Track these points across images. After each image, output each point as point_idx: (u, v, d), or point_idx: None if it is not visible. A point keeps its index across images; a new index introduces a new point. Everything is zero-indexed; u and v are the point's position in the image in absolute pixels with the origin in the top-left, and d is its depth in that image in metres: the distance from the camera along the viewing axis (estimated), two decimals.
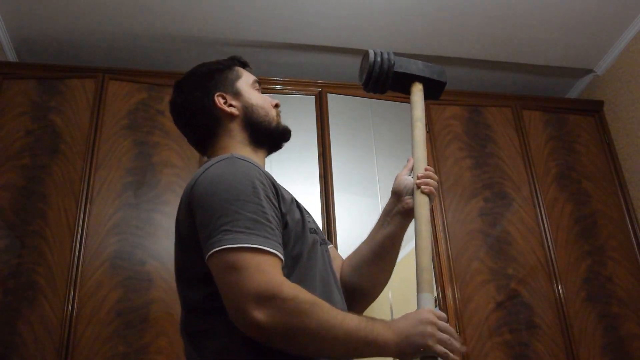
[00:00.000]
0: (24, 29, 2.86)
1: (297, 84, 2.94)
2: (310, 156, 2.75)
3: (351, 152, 2.84)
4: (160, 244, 2.46)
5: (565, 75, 3.38)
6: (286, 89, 2.90)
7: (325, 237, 1.54)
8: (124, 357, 2.24)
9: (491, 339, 2.52)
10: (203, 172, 1.14)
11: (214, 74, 1.37)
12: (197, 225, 1.08)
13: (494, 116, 3.05)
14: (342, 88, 2.96)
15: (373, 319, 1.04)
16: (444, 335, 1.04)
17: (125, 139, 2.64)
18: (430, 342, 1.02)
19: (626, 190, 3.00)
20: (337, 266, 1.37)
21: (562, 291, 2.68)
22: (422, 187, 1.28)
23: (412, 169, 1.37)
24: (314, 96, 2.91)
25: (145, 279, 2.38)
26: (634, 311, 2.72)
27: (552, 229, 2.81)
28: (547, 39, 3.06)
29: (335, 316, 1.01)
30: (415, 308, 1.12)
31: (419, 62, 1.45)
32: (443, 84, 1.46)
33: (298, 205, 1.22)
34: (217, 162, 1.15)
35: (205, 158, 1.35)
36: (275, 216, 1.08)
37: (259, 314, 0.96)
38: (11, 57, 2.95)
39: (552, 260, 2.74)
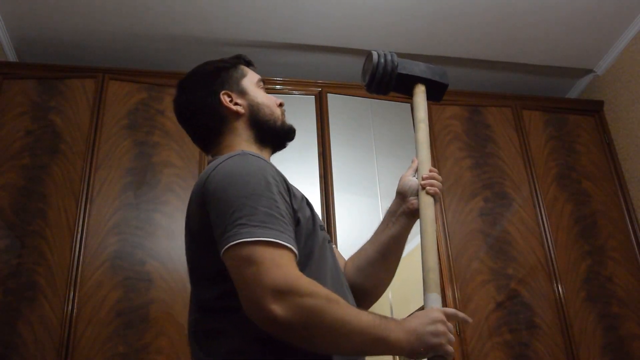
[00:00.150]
0: (24, 29, 2.86)
1: (297, 84, 2.94)
2: (310, 156, 2.75)
3: (351, 152, 2.84)
4: (160, 244, 2.46)
5: (565, 75, 3.38)
6: (286, 89, 2.90)
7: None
8: (124, 357, 2.24)
9: (491, 339, 2.52)
10: (215, 168, 1.13)
11: (220, 72, 1.36)
12: (211, 221, 1.07)
13: (494, 116, 3.05)
14: (342, 88, 2.96)
15: (385, 316, 1.04)
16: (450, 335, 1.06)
17: (125, 139, 2.64)
18: (442, 341, 1.04)
19: (626, 190, 3.00)
20: (340, 266, 1.37)
21: (562, 291, 2.68)
22: (427, 188, 1.30)
23: (416, 170, 1.38)
24: (314, 96, 2.91)
25: (145, 279, 2.38)
26: (634, 311, 2.72)
27: (552, 229, 2.81)
28: (547, 39, 3.06)
29: (351, 312, 1.01)
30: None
31: (421, 63, 1.46)
32: (445, 85, 1.47)
33: (308, 203, 1.22)
34: (229, 157, 1.14)
35: (210, 157, 1.34)
36: (287, 212, 1.08)
37: (277, 308, 0.95)
38: (11, 57, 2.95)
39: (552, 260, 2.74)
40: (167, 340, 2.30)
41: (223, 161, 1.14)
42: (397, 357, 2.42)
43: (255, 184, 1.06)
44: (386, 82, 1.42)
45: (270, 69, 3.11)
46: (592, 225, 2.88)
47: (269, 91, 1.43)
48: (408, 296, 2.54)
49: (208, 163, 1.29)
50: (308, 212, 1.18)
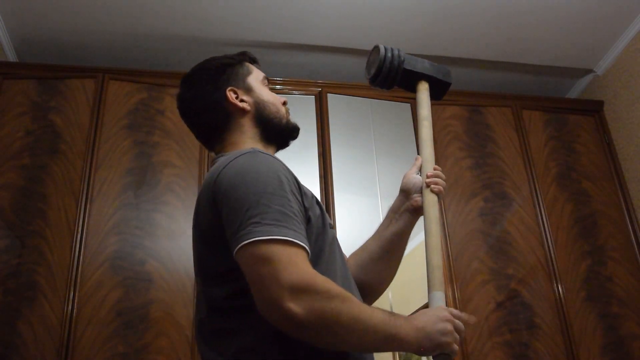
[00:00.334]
0: (24, 29, 2.85)
1: (297, 84, 2.94)
2: (310, 156, 2.75)
3: (351, 152, 2.84)
4: (160, 244, 2.46)
5: (565, 75, 3.38)
6: (286, 89, 2.90)
7: None
8: (124, 357, 2.24)
9: (491, 339, 2.52)
10: (226, 165, 1.12)
11: (225, 69, 1.35)
12: (222, 219, 1.06)
13: (494, 116, 3.05)
14: (342, 88, 2.96)
15: (393, 313, 1.05)
16: (461, 335, 1.08)
17: (125, 139, 2.64)
18: (450, 339, 1.05)
19: (626, 190, 3.00)
20: None
21: (562, 291, 2.68)
22: (432, 186, 1.31)
23: (420, 168, 1.39)
24: (314, 96, 2.91)
25: (145, 279, 2.38)
26: (634, 311, 2.72)
27: (552, 229, 2.81)
28: (547, 39, 3.06)
29: (365, 310, 1.01)
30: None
31: (426, 61, 1.47)
32: (448, 84, 1.48)
33: (317, 201, 1.22)
34: (240, 155, 1.13)
35: (213, 154, 1.34)
36: (300, 210, 1.08)
37: (294, 306, 0.95)
38: (11, 57, 2.95)
39: (552, 260, 2.74)
40: (167, 340, 2.30)
41: (234, 159, 1.12)
42: (397, 354, 2.43)
43: (267, 182, 1.06)
44: (392, 76, 1.42)
45: (270, 69, 3.09)
46: (592, 225, 2.88)
47: None
48: (408, 296, 2.54)
49: (213, 160, 1.28)
50: (318, 211, 1.18)
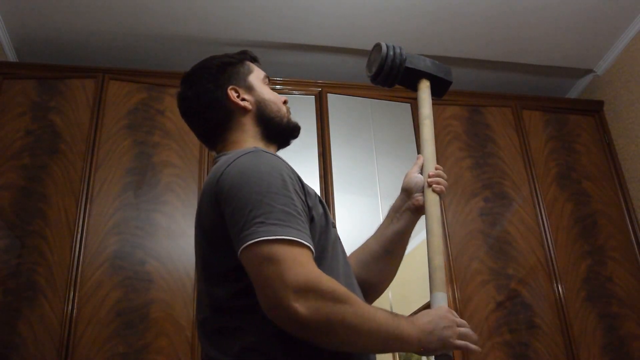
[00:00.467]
0: (24, 29, 2.85)
1: (297, 84, 2.94)
2: (310, 156, 2.75)
3: (351, 152, 2.84)
4: (160, 244, 2.46)
5: (565, 75, 3.38)
6: (286, 89, 2.90)
7: None
8: (124, 357, 2.24)
9: (491, 339, 2.52)
10: (229, 165, 1.11)
11: (226, 67, 1.35)
12: (226, 218, 1.06)
13: (494, 116, 3.05)
14: (342, 88, 2.96)
15: (397, 314, 1.05)
16: (463, 329, 1.09)
17: (125, 139, 2.64)
18: (452, 338, 1.06)
19: (626, 190, 3.00)
20: None
21: (562, 291, 2.68)
22: (434, 186, 1.32)
23: (421, 167, 1.39)
24: (314, 96, 2.91)
25: (145, 279, 2.38)
26: (634, 311, 2.72)
27: (552, 229, 2.81)
28: (547, 39, 3.06)
29: (369, 310, 1.01)
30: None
31: (427, 59, 1.47)
32: (449, 83, 1.48)
33: (320, 200, 1.22)
34: (243, 154, 1.13)
35: (214, 153, 1.33)
36: (303, 210, 1.08)
37: (299, 306, 0.94)
38: (11, 57, 2.95)
39: (552, 260, 2.74)
40: (167, 340, 2.30)
41: (237, 158, 1.12)
42: (398, 353, 2.42)
43: (271, 182, 1.05)
44: (394, 74, 1.42)
45: (270, 69, 3.08)
46: (592, 225, 2.88)
47: None
48: (408, 295, 2.54)
49: (214, 159, 1.28)
50: (321, 210, 1.18)
